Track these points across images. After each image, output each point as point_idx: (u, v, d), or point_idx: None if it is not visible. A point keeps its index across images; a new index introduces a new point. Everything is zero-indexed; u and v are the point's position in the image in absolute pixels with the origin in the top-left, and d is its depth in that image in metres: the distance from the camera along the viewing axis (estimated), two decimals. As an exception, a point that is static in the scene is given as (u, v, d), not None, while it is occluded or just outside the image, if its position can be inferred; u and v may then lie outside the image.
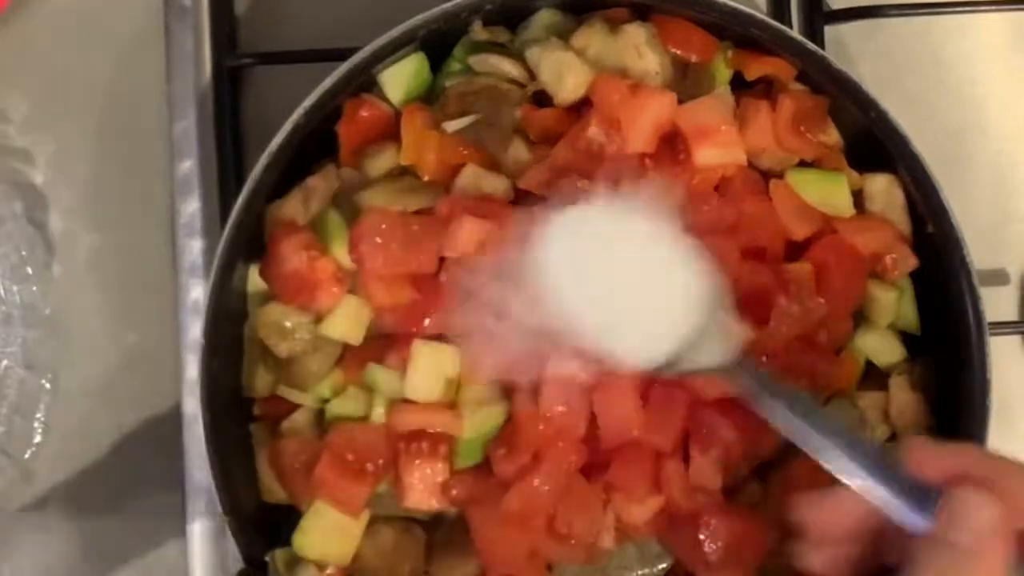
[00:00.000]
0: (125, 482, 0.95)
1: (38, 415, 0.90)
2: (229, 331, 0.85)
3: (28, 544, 0.94)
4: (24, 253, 0.90)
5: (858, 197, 0.86)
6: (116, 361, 0.95)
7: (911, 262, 0.85)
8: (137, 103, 0.97)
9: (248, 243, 0.84)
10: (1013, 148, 0.98)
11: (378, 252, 0.81)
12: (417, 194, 0.84)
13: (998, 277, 0.97)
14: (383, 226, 0.81)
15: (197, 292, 0.93)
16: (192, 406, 0.92)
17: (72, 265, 0.96)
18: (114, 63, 0.98)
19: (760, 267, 0.82)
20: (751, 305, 0.81)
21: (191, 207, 0.94)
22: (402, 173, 0.85)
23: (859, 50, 0.98)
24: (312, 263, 0.82)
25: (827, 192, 0.85)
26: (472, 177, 0.84)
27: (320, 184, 0.85)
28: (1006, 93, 0.99)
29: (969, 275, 0.82)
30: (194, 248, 0.94)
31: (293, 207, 0.84)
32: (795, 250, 0.85)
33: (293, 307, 0.83)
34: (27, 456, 0.90)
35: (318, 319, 0.83)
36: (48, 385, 0.91)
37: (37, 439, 0.91)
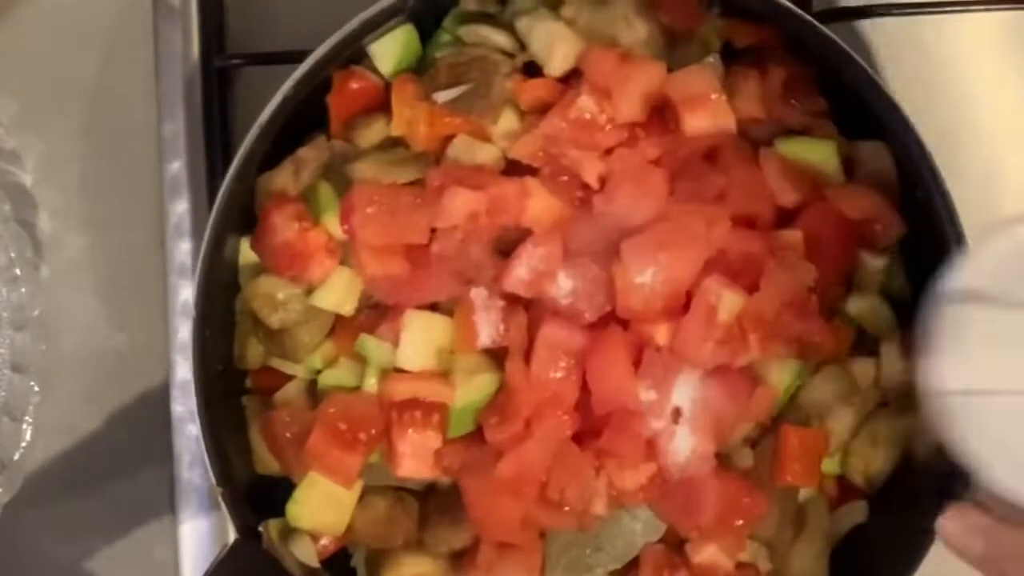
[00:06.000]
0: (114, 484, 0.95)
1: (27, 417, 0.90)
2: (221, 303, 0.85)
3: (17, 545, 0.94)
4: (13, 255, 0.90)
5: (848, 164, 0.86)
6: (105, 362, 0.95)
7: (900, 228, 0.85)
8: (126, 104, 0.97)
9: (239, 216, 0.84)
10: (1002, 149, 0.97)
11: (369, 223, 0.81)
12: (408, 165, 0.84)
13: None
14: (374, 197, 0.82)
15: (186, 293, 0.93)
16: (181, 407, 0.93)
17: (61, 266, 0.96)
18: (103, 64, 0.98)
19: (750, 234, 0.82)
20: (741, 272, 0.81)
21: (180, 208, 0.94)
22: (393, 144, 0.86)
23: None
24: (303, 234, 0.83)
25: (817, 159, 0.85)
26: (463, 147, 0.84)
27: (311, 155, 0.85)
28: (996, 93, 0.98)
29: (960, 239, 0.82)
30: (183, 249, 0.94)
31: (284, 178, 0.84)
32: (785, 218, 0.85)
33: (285, 278, 0.83)
34: (16, 458, 0.90)
35: (309, 290, 0.84)
36: (37, 387, 0.90)
37: (26, 441, 0.91)
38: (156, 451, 0.93)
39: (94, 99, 0.97)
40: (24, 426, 0.90)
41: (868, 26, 0.96)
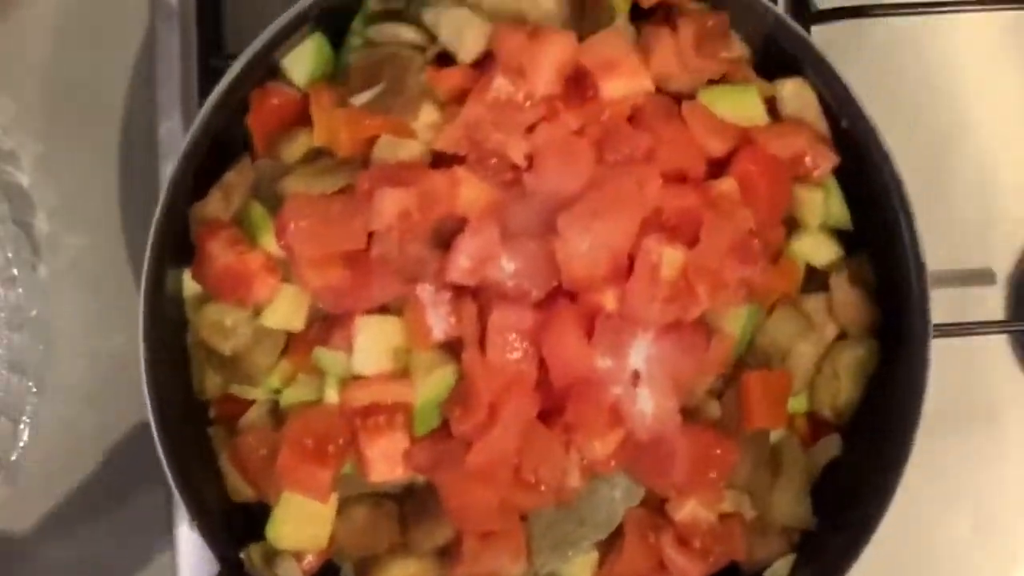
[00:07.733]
0: (111, 484, 0.95)
1: (24, 417, 0.90)
2: (174, 339, 0.85)
3: (16, 545, 0.94)
4: (10, 255, 0.90)
5: (772, 104, 0.86)
6: (102, 362, 0.96)
7: (831, 159, 0.85)
8: (123, 105, 0.97)
9: (177, 249, 0.84)
10: (999, 148, 0.98)
11: (305, 236, 0.81)
12: (336, 173, 0.84)
13: (984, 277, 0.98)
14: (306, 210, 0.81)
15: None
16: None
17: (58, 267, 0.96)
18: (100, 65, 0.98)
19: (683, 188, 0.82)
20: (680, 227, 0.81)
21: (177, 209, 0.94)
22: (318, 155, 0.85)
23: (846, 50, 0.93)
24: (242, 257, 0.82)
25: (739, 105, 0.85)
26: (387, 147, 0.84)
27: (237, 179, 0.84)
28: (992, 93, 0.98)
29: (889, 162, 0.82)
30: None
31: (214, 205, 0.84)
32: (717, 167, 0.85)
33: (230, 304, 0.83)
34: (13, 458, 0.90)
35: (257, 312, 0.83)
36: (34, 387, 0.90)
37: (23, 441, 0.91)
38: (154, 451, 0.91)
39: (92, 100, 0.98)
40: (22, 426, 0.90)
41: (865, 26, 0.96)
